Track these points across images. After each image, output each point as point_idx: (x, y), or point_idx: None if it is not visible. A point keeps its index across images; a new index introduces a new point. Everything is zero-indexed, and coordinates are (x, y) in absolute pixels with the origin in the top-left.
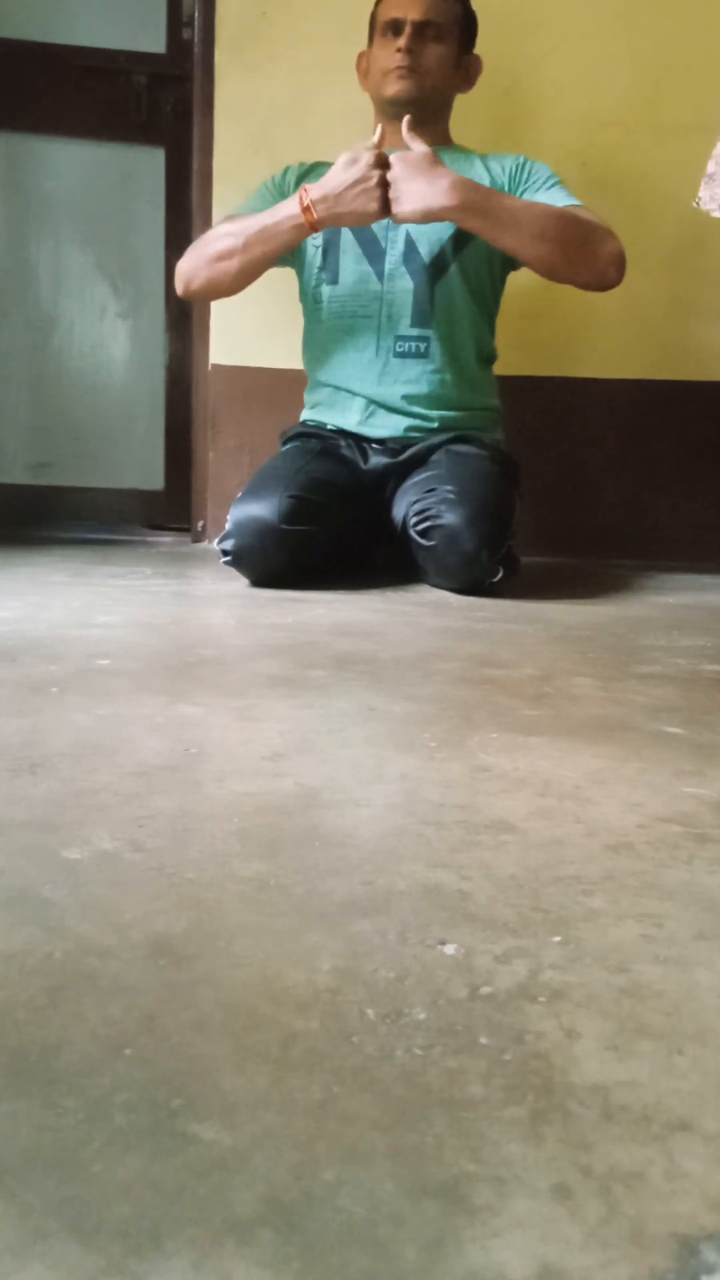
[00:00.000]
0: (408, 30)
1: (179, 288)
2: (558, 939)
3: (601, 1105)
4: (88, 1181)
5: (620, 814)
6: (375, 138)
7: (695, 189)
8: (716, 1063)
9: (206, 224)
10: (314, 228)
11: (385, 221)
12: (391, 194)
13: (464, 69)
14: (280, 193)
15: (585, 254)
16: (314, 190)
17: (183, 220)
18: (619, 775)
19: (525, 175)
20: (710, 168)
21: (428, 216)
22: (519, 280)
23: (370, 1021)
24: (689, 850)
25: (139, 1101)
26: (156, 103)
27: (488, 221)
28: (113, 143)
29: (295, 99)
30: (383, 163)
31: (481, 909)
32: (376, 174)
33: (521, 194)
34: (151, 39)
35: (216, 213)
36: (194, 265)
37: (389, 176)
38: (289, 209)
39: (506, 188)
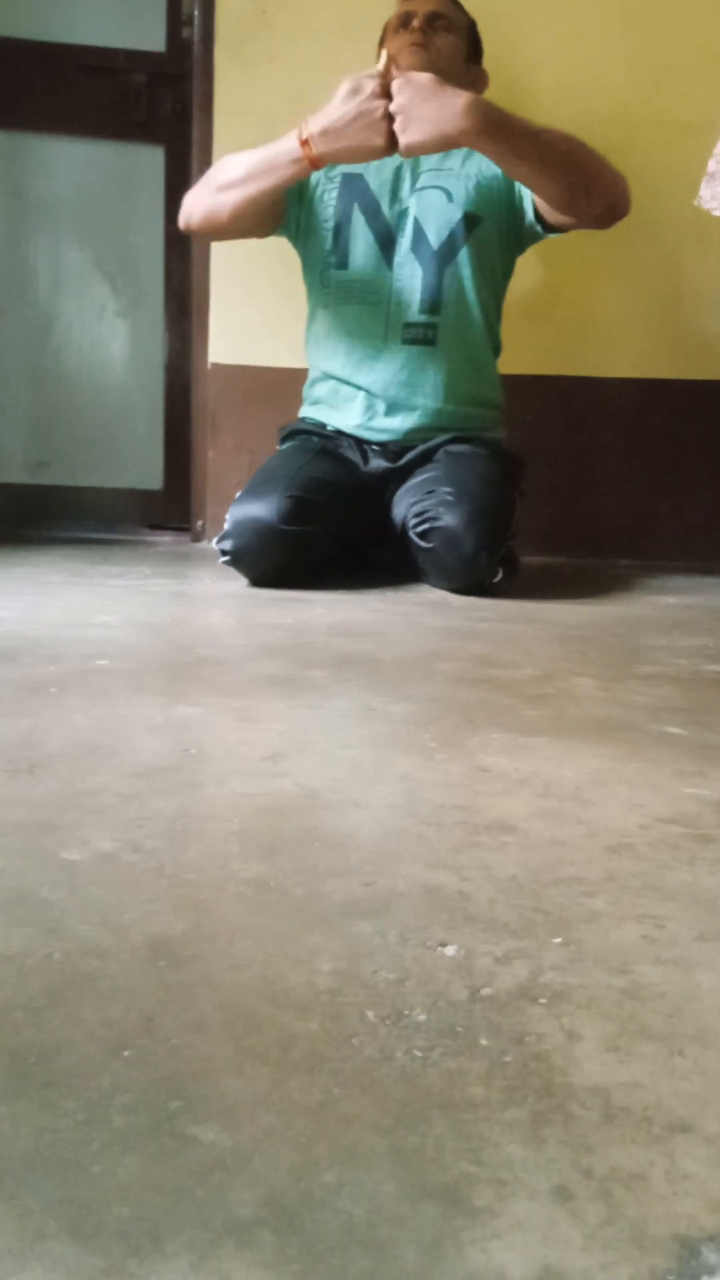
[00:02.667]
0: (420, 18)
1: (180, 221)
2: (558, 940)
3: (602, 1107)
4: (87, 1183)
5: (621, 815)
6: (380, 64)
7: (696, 187)
8: (718, 1064)
9: None
10: (314, 164)
11: (399, 205)
12: (398, 124)
13: (472, 74)
14: None
15: (600, 179)
16: (313, 122)
17: None
18: (620, 776)
19: None
20: (711, 166)
21: (443, 142)
22: (521, 280)
23: (370, 1023)
24: (690, 851)
25: (138, 1103)
26: (156, 102)
27: (508, 144)
28: (112, 141)
29: (295, 98)
30: (388, 92)
31: (482, 910)
32: (381, 104)
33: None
34: (151, 38)
35: None
36: (197, 196)
37: (393, 107)
38: (287, 143)
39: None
